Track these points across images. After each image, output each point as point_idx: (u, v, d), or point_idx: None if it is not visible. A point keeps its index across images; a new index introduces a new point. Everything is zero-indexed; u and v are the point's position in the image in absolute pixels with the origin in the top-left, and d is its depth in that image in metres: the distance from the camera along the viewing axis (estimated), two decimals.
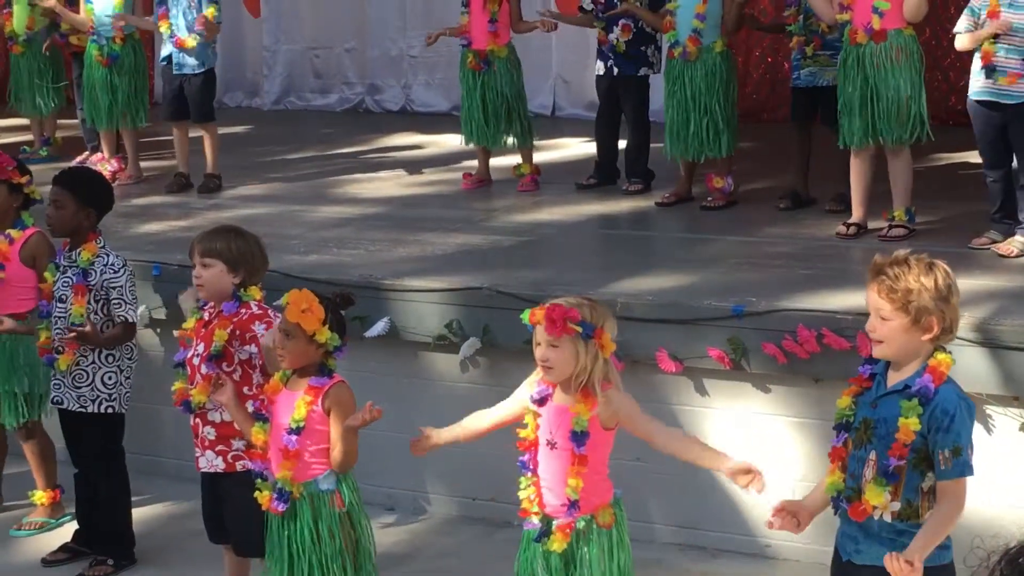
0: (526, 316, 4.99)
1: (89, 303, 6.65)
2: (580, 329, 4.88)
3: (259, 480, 5.52)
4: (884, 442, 4.47)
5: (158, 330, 7.97)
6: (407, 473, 7.52)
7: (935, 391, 4.41)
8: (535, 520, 5.09)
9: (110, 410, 6.76)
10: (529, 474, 5.09)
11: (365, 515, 5.56)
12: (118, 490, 6.89)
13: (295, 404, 5.39)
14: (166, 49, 10.28)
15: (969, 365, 6.20)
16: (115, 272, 6.66)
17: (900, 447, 4.42)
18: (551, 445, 5.01)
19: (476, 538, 7.20)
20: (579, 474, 4.97)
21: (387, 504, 7.50)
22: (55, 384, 6.81)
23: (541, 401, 5.04)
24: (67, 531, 7.16)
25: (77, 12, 10.93)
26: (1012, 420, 6.21)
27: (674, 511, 6.93)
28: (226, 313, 5.92)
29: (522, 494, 5.11)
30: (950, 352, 4.53)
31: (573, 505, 5.00)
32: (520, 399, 5.14)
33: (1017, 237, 7.54)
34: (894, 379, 4.52)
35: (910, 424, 4.41)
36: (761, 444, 6.74)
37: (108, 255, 6.71)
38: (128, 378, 6.81)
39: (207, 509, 6.18)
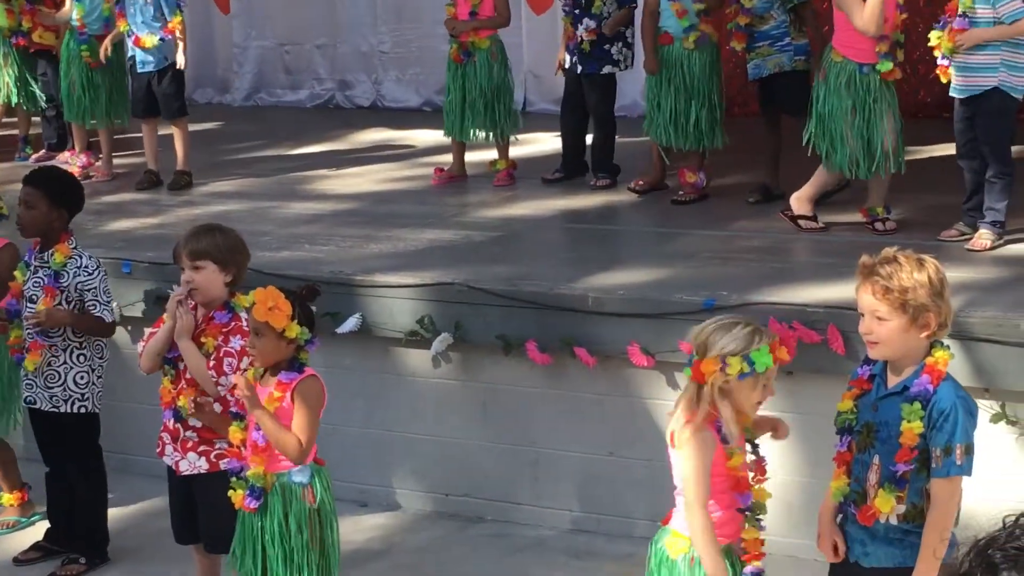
0: (767, 358, 4.54)
1: (60, 303, 6.62)
2: None
3: (233, 479, 5.51)
4: (887, 446, 4.44)
5: (129, 328, 7.93)
6: (380, 468, 7.52)
7: (934, 391, 4.38)
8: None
9: (83, 410, 6.74)
10: (751, 514, 4.75)
11: (334, 513, 5.56)
12: (95, 490, 6.87)
13: (264, 400, 5.38)
14: (131, 48, 10.25)
15: None
16: (89, 274, 6.63)
17: (906, 452, 4.39)
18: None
19: (449, 533, 7.20)
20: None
21: (360, 500, 7.50)
22: (27, 384, 6.78)
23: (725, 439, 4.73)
24: (39, 530, 7.14)
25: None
26: (983, 412, 6.18)
27: (649, 505, 6.93)
28: (217, 322, 5.89)
29: (757, 535, 4.75)
30: (948, 347, 4.51)
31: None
32: (706, 455, 4.62)
33: (984, 231, 7.57)
34: (893, 380, 4.48)
35: (914, 428, 4.37)
36: None
37: (81, 256, 6.67)
38: (100, 377, 6.78)
39: (178, 510, 6.16)
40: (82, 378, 6.71)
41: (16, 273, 6.80)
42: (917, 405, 4.38)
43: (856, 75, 7.84)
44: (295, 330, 5.33)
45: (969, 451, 4.38)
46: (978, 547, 2.20)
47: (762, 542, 4.72)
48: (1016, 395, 6.22)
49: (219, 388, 5.79)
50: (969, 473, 4.41)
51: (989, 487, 6.20)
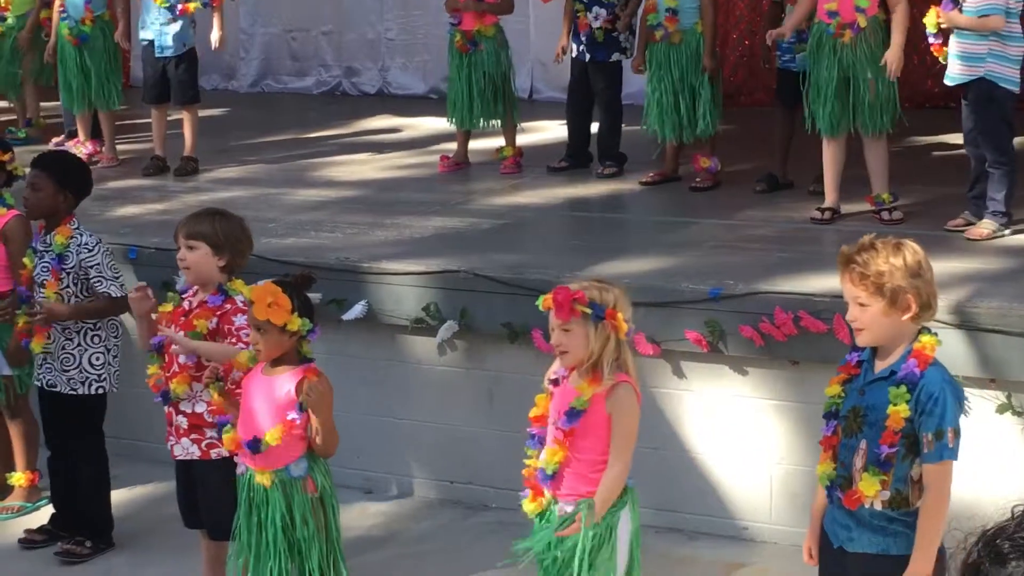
0: (540, 302, 5.01)
1: (68, 286, 6.64)
2: (589, 311, 4.85)
3: (227, 427, 5.57)
4: (874, 430, 4.47)
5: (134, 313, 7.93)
6: (385, 456, 7.52)
7: (921, 375, 4.42)
8: (527, 491, 5.13)
9: (100, 390, 6.78)
10: (536, 448, 5.11)
11: (336, 499, 5.57)
12: (98, 473, 6.88)
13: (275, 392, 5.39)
14: (146, 33, 10.21)
15: (945, 348, 6.16)
16: (90, 251, 6.65)
17: (891, 435, 4.43)
18: (555, 424, 5.01)
19: (454, 521, 7.21)
20: (562, 448, 4.95)
21: (365, 487, 7.50)
22: (46, 367, 6.79)
23: (556, 382, 5.07)
24: (44, 514, 7.15)
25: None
26: (988, 402, 6.23)
27: (651, 494, 6.93)
28: (210, 305, 5.89)
29: (528, 462, 5.13)
30: (935, 333, 4.55)
31: (546, 476, 5.00)
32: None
33: (986, 220, 7.56)
34: (880, 365, 4.52)
35: (900, 411, 4.41)
36: (739, 426, 6.76)
37: (82, 235, 6.70)
38: (116, 356, 6.81)
39: (182, 495, 6.18)
40: (98, 359, 6.74)
41: (25, 260, 6.81)
42: (903, 388, 4.42)
43: (824, 35, 7.96)
44: (297, 323, 5.32)
45: (958, 435, 4.43)
46: (986, 537, 2.20)
47: (530, 471, 5.07)
48: (1022, 385, 6.21)
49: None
50: (957, 457, 4.45)
51: (995, 477, 6.21)
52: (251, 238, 6.11)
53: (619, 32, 9.59)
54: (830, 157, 8.14)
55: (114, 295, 6.69)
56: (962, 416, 4.40)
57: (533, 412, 5.13)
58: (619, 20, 9.59)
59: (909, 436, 4.42)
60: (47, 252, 6.70)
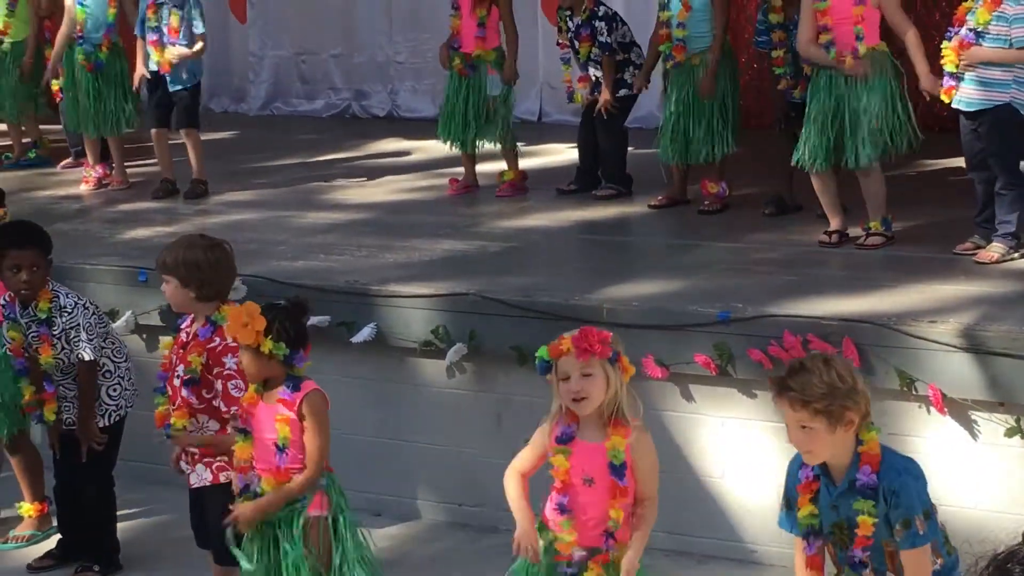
0: (544, 352, 4.90)
1: (63, 349, 6.66)
2: (611, 352, 4.85)
3: (244, 495, 5.50)
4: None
5: (144, 336, 7.96)
6: (394, 479, 7.52)
7: (877, 478, 4.50)
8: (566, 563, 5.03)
9: (117, 418, 6.80)
10: (569, 515, 4.98)
11: (351, 523, 5.55)
12: (106, 494, 6.89)
13: (275, 423, 5.38)
14: (154, 64, 10.15)
15: (955, 371, 6.23)
16: (69, 313, 6.64)
17: (863, 540, 4.54)
18: (587, 483, 4.94)
19: (463, 544, 7.21)
20: (621, 506, 4.93)
21: (374, 510, 7.48)
22: (66, 406, 6.80)
23: (567, 439, 4.95)
24: (52, 539, 7.15)
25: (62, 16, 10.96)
26: (998, 425, 6.23)
27: (660, 517, 6.89)
28: (201, 338, 5.87)
29: (567, 537, 4.99)
30: (873, 429, 4.56)
31: (611, 536, 4.96)
32: (540, 443, 5.05)
33: (995, 243, 7.55)
34: (838, 476, 4.59)
35: (868, 520, 4.51)
36: (747, 450, 6.75)
37: (59, 296, 6.67)
38: (131, 380, 6.82)
39: (195, 519, 6.19)
40: (114, 390, 6.77)
41: (12, 334, 6.76)
42: (869, 502, 4.50)
43: (816, 70, 8.03)
44: (268, 345, 5.28)
45: (928, 516, 4.51)
46: (997, 561, 2.20)
47: (570, 546, 4.96)
48: None
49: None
50: (934, 536, 4.53)
51: (1004, 501, 6.20)
52: (224, 266, 5.98)
53: (605, 105, 9.61)
54: (818, 186, 8.14)
55: (86, 358, 6.64)
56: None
57: (559, 477, 4.96)
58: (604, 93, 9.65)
59: (883, 532, 4.53)
60: (34, 322, 6.69)
